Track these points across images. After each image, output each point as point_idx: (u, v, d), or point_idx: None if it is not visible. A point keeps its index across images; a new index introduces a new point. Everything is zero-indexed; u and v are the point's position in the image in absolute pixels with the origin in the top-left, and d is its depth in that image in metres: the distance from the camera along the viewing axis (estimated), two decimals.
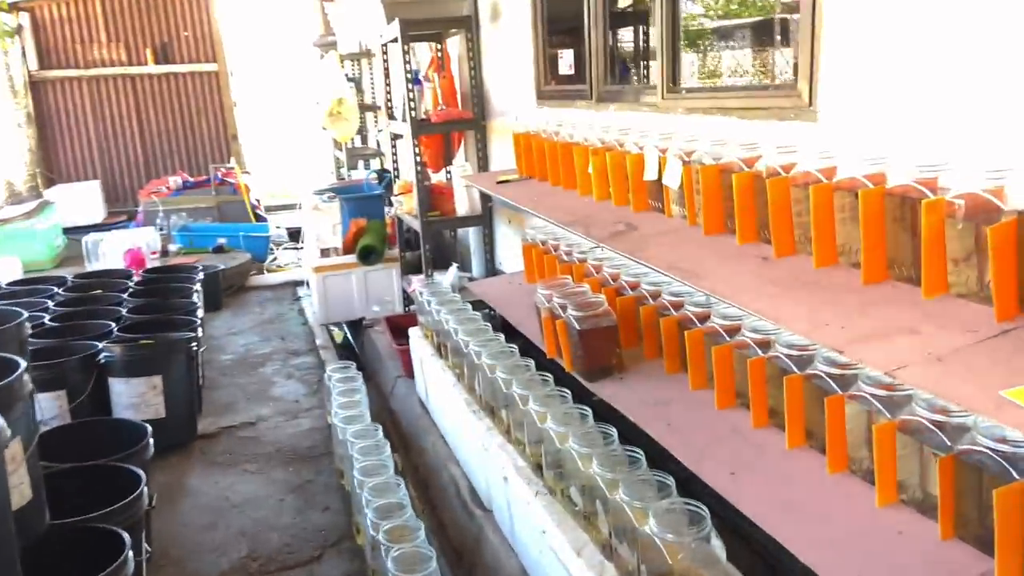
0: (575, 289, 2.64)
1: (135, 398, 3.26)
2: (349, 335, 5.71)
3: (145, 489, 2.10)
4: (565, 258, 3.16)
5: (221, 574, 2.50)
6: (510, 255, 4.32)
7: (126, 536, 1.87)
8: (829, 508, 1.62)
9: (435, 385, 3.40)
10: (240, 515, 2.87)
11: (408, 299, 4.97)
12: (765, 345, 1.99)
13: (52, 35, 10.41)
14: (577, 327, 2.42)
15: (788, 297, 1.58)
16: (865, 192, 1.53)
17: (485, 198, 4.09)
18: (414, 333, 3.80)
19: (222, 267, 6.60)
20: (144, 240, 7.04)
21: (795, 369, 1.83)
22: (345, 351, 5.45)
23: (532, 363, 2.58)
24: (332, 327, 5.60)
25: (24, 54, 10.09)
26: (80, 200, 9.72)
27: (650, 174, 2.40)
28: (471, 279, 4.43)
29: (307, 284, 6.44)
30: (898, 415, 1.58)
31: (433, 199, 4.24)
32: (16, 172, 9.93)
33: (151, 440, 2.51)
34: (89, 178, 10.53)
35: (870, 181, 1.57)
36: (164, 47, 10.89)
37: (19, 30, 9.93)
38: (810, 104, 1.92)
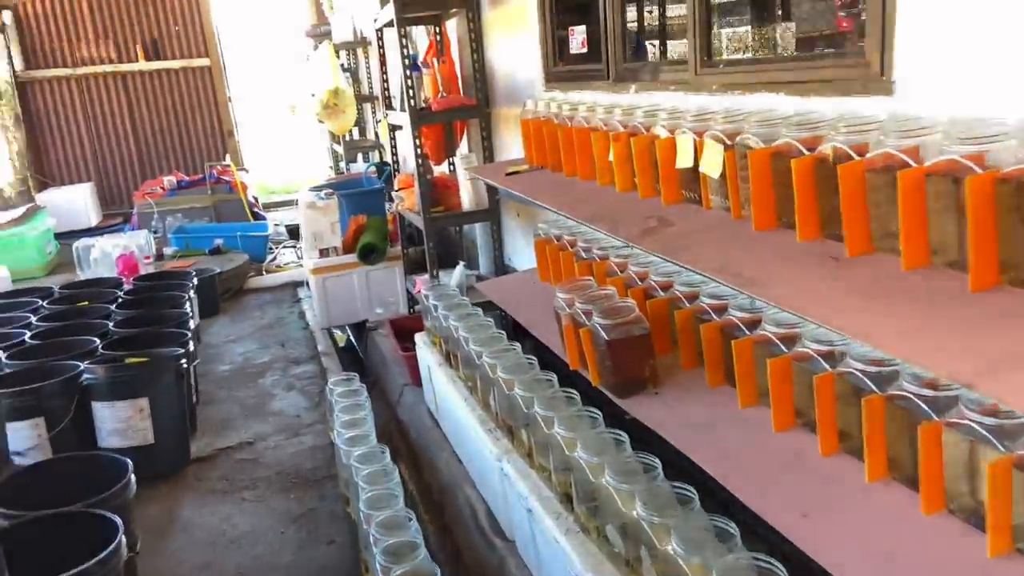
0: (599, 292, 2.36)
1: (120, 423, 3.00)
2: (352, 338, 5.45)
3: (123, 540, 1.85)
4: (584, 255, 2.88)
5: None
6: (520, 250, 4.04)
7: None
8: (933, 560, 1.35)
9: (445, 397, 3.13)
10: (238, 552, 2.61)
11: (413, 299, 4.70)
12: (830, 357, 1.72)
13: (38, 33, 10.13)
14: (605, 337, 2.14)
15: (879, 311, 1.30)
16: (974, 179, 1.24)
17: (492, 191, 3.81)
18: (420, 339, 3.53)
19: (218, 270, 6.33)
20: (137, 244, 6.78)
21: (874, 388, 1.55)
22: (348, 355, 5.20)
23: (555, 378, 2.31)
24: (335, 330, 5.34)
25: (9, 54, 9.80)
26: (73, 203, 9.47)
27: (684, 161, 2.11)
28: (479, 277, 4.16)
29: (307, 285, 6.18)
30: (1013, 448, 1.30)
31: (436, 193, 3.96)
32: (4, 176, 9.66)
33: (132, 477, 2.24)
34: (82, 180, 10.27)
35: (974, 164, 1.29)
36: (155, 43, 10.60)
37: (2, 28, 9.64)
38: (882, 74, 1.63)
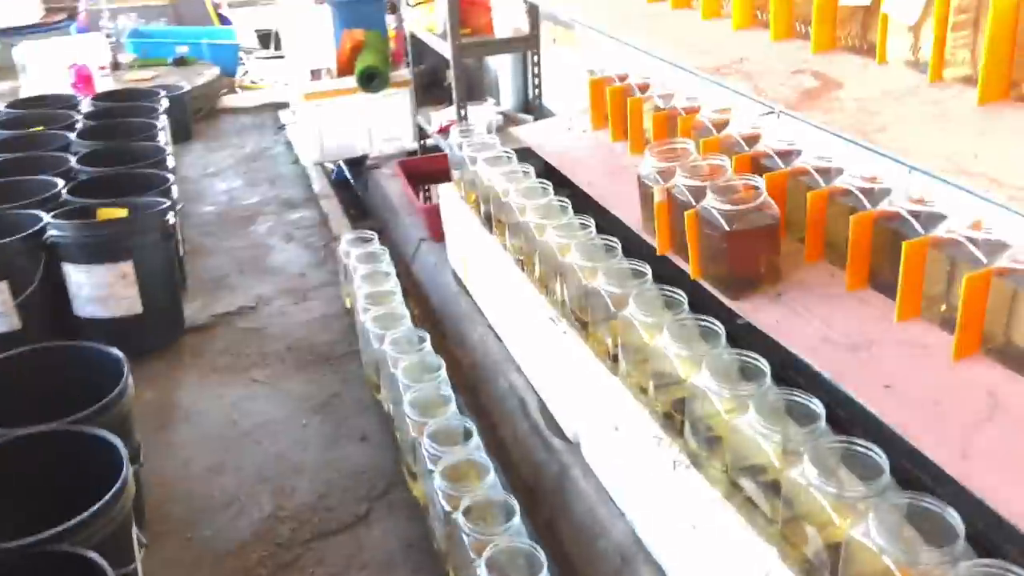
0: (707, 163, 1.93)
1: (100, 290, 2.59)
2: (347, 173, 4.95)
3: (128, 471, 1.51)
4: (662, 105, 2.40)
5: (242, 547, 1.97)
6: (554, 88, 3.49)
7: (107, 569, 1.30)
8: None
9: (485, 268, 2.74)
10: (255, 448, 2.31)
11: (423, 133, 4.17)
12: None
13: None
14: (725, 226, 1.73)
15: None
16: None
17: (534, 12, 3.20)
18: (447, 193, 3.08)
19: (188, 87, 5.64)
20: (91, 52, 5.98)
21: None
22: (343, 192, 4.71)
23: (648, 270, 1.91)
24: (328, 164, 4.82)
25: None
26: None
27: None
28: (505, 117, 3.63)
29: (292, 110, 5.56)
30: None
31: (461, 12, 3.32)
32: None
33: (130, 380, 1.87)
34: None
35: None
36: None
37: None
38: None
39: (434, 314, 3.24)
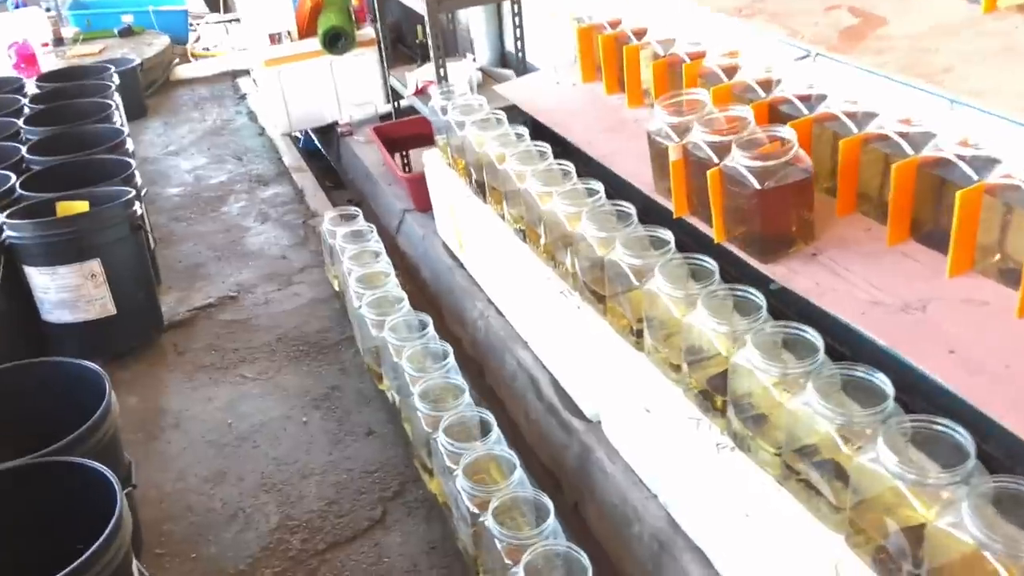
0: (726, 115, 1.78)
1: (68, 293, 2.41)
2: (317, 141, 4.73)
3: (122, 504, 1.37)
4: (662, 52, 2.24)
5: (251, 564, 1.84)
6: (537, 40, 3.30)
7: None
8: None
9: (483, 241, 2.60)
10: (254, 453, 2.17)
11: (396, 95, 3.97)
12: None
13: None
14: (757, 185, 1.60)
15: None
16: None
17: None
18: (432, 161, 2.91)
19: (138, 60, 5.34)
20: (31, 28, 5.64)
21: None
22: (314, 163, 4.50)
23: (670, 237, 1.78)
24: (297, 134, 4.60)
25: None
26: None
27: None
28: (485, 74, 3.44)
29: (253, 78, 5.30)
30: None
31: None
32: None
33: (113, 398, 1.71)
34: None
35: None
36: None
37: None
38: None
39: (427, 290, 3.09)
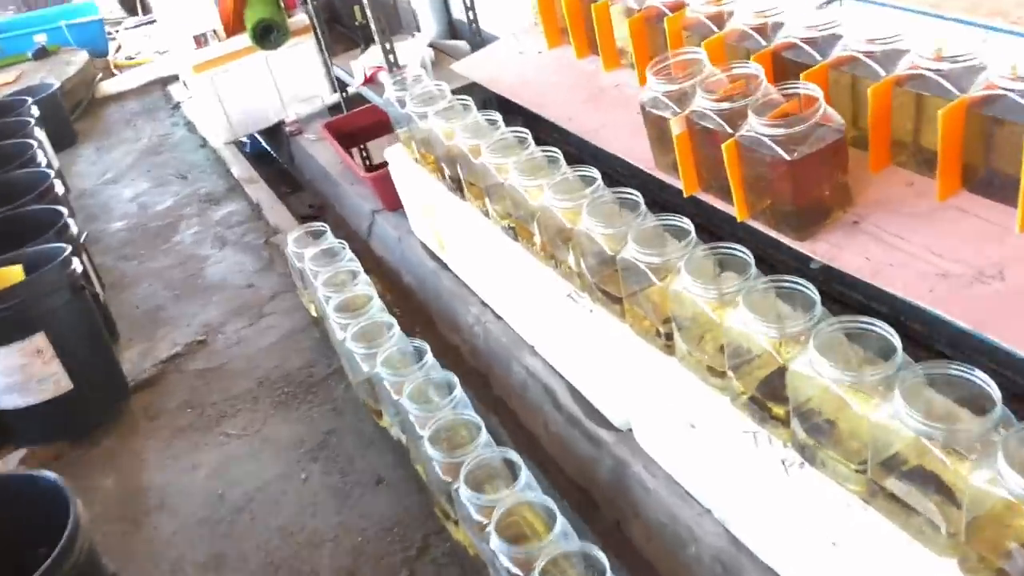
0: (730, 75, 1.57)
1: (14, 376, 2.17)
2: (265, 144, 4.45)
3: None
4: (635, 5, 2.01)
5: None
6: (483, 3, 3.04)
7: None
8: None
9: (468, 242, 2.38)
10: (253, 526, 1.96)
11: (341, 83, 3.69)
12: None
13: None
14: (785, 155, 1.40)
15: None
16: None
17: None
18: (396, 158, 2.67)
19: (57, 84, 5.00)
20: None
21: None
22: (266, 168, 4.22)
23: (690, 227, 1.57)
24: (243, 140, 4.32)
25: None
26: None
27: None
28: (436, 50, 3.17)
29: (185, 84, 4.97)
30: None
31: None
32: None
33: (78, 512, 1.48)
34: None
35: None
36: None
37: None
38: None
39: (413, 297, 2.88)
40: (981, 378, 1.08)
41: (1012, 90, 1.32)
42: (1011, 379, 1.15)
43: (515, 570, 1.46)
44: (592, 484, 2.03)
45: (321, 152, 3.74)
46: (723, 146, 1.50)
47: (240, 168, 3.91)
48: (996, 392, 1.06)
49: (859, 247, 1.45)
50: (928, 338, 1.50)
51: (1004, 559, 1.08)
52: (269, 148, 4.44)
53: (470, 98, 2.27)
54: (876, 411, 1.17)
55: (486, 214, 2.19)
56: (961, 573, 1.13)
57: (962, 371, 1.10)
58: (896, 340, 1.18)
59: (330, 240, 2.46)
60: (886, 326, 1.20)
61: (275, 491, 2.04)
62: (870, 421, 1.18)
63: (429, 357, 1.92)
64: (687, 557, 1.72)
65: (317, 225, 2.51)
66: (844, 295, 1.61)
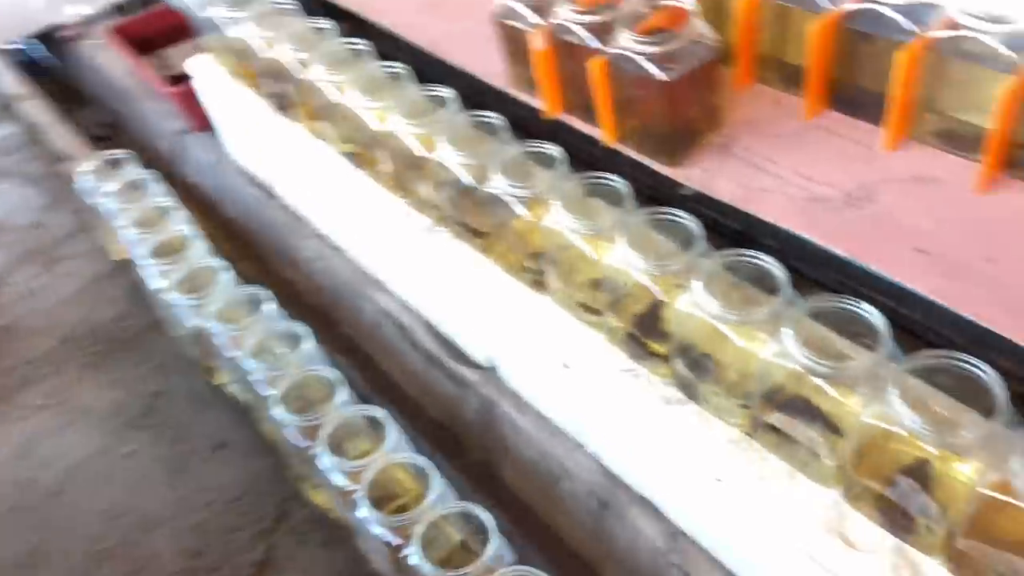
0: None
1: None
2: (46, 50, 3.84)
3: None
4: None
5: None
6: None
7: None
8: None
9: (302, 170, 2.16)
10: (75, 511, 1.71)
11: None
12: None
13: None
14: (662, 76, 1.32)
15: None
16: None
17: None
18: (205, 73, 2.36)
19: None
20: None
21: None
22: (43, 79, 3.66)
23: (558, 154, 1.48)
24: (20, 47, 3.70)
25: None
26: None
27: None
28: None
29: None
30: None
31: None
32: None
33: None
34: None
35: None
36: None
37: None
38: None
39: (240, 231, 2.62)
40: (868, 311, 1.09)
41: (881, 2, 1.31)
42: (896, 310, 1.16)
43: (390, 538, 1.37)
44: (456, 423, 1.96)
45: (110, 61, 3.27)
46: (589, 64, 1.40)
47: (9, 81, 3.36)
48: (883, 326, 1.06)
49: (732, 173, 1.42)
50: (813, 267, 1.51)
51: (886, 486, 1.12)
52: (50, 53, 3.84)
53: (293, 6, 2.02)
54: (763, 347, 1.16)
55: (321, 137, 1.98)
56: (845, 501, 1.17)
57: (849, 304, 1.10)
58: (782, 273, 1.16)
59: (136, 170, 2.16)
60: (772, 259, 1.17)
61: (97, 467, 1.80)
62: (756, 357, 1.17)
63: (271, 305, 1.74)
64: (561, 492, 1.71)
65: (118, 152, 2.19)
66: (718, 223, 1.59)
